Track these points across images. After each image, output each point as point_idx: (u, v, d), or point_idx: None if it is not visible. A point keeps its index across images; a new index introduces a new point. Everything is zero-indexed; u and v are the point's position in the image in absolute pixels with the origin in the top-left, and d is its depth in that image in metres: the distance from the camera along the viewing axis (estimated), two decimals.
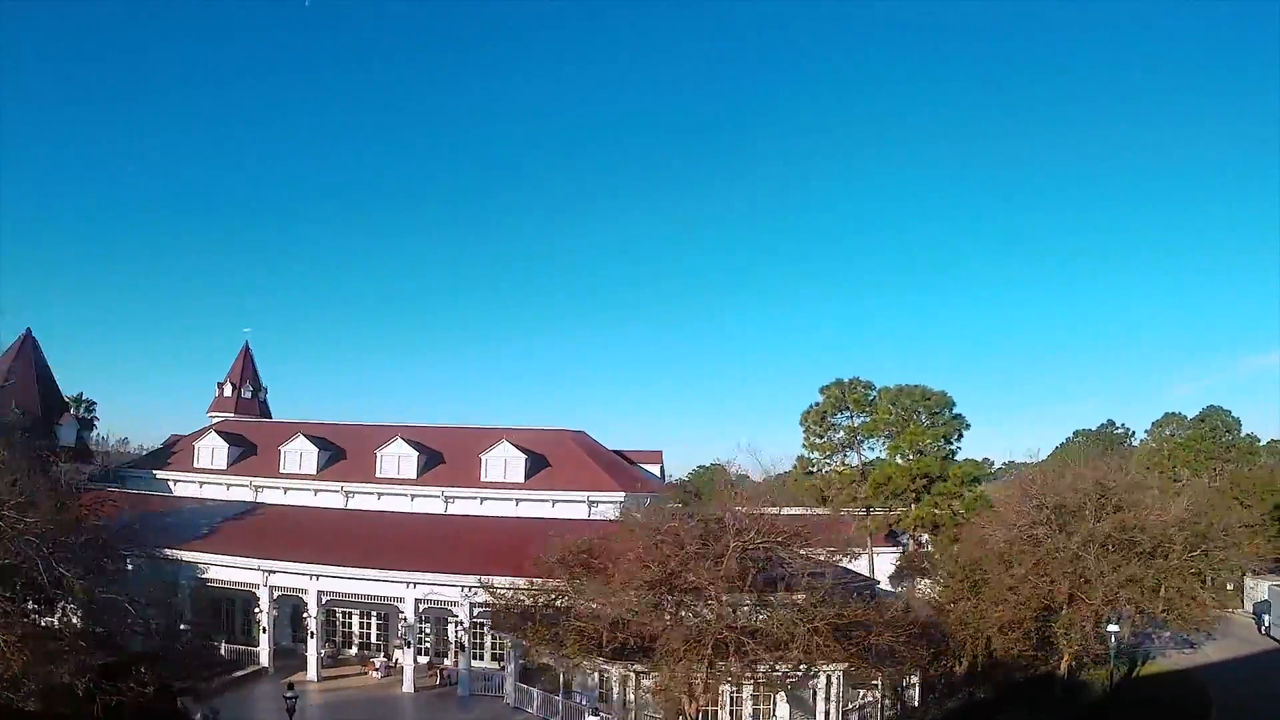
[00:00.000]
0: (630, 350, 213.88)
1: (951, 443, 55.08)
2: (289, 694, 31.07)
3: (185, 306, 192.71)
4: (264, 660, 44.04)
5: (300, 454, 58.01)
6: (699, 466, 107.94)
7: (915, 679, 38.07)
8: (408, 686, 40.62)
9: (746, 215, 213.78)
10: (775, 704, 34.46)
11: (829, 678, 34.70)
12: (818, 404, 55.93)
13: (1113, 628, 33.35)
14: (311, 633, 43.36)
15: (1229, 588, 74.01)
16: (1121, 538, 35.82)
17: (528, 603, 33.25)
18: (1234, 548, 42.92)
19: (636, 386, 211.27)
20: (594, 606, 29.82)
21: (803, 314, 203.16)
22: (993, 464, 63.41)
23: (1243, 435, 79.44)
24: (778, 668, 29.05)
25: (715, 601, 28.07)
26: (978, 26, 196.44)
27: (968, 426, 55.27)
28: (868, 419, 55.33)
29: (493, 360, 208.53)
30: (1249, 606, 64.79)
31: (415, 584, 40.18)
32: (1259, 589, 62.78)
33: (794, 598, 27.59)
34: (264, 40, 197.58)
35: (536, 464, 55.59)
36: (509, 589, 33.86)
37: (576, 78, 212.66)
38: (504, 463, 54.66)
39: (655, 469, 58.88)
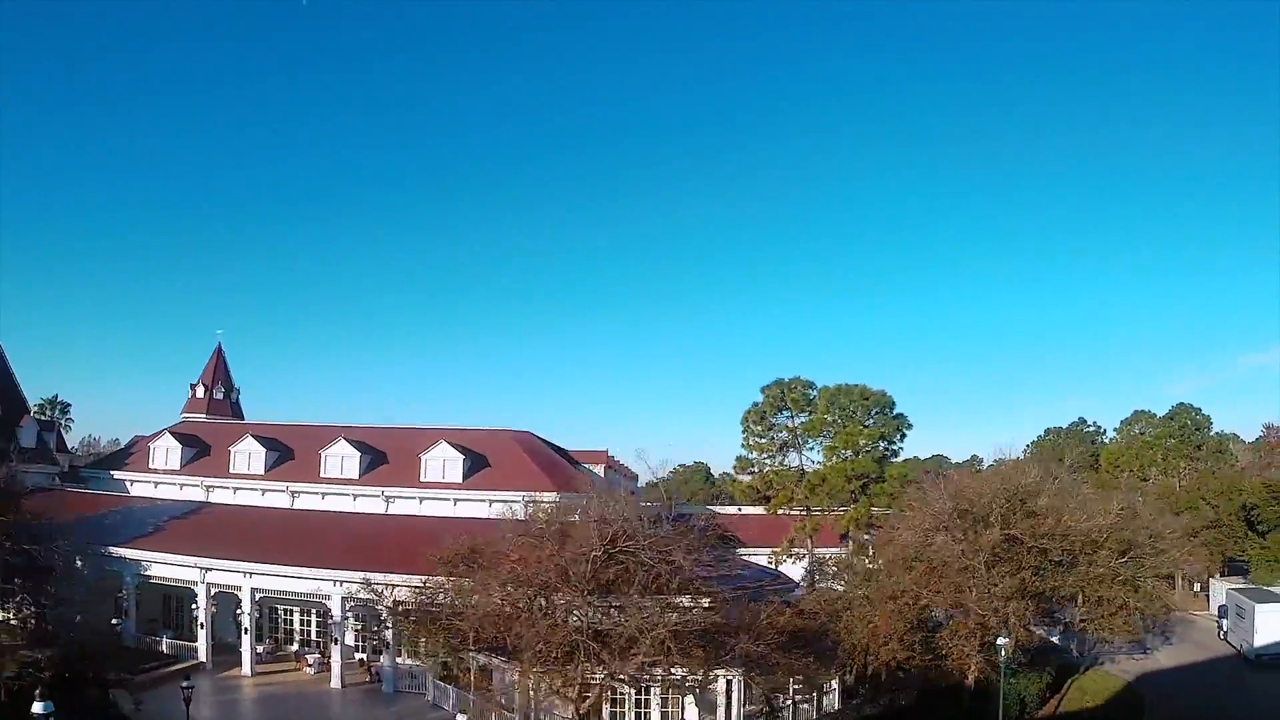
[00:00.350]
0: (608, 351, 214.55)
1: (893, 443, 55.00)
2: (185, 684, 32.14)
3: (169, 308, 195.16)
4: (202, 655, 45.30)
5: (249, 455, 58.93)
6: (679, 466, 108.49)
7: (835, 684, 38.08)
8: (335, 683, 41.40)
9: (712, 215, 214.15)
10: (684, 706, 34.81)
11: (729, 682, 35.02)
12: (757, 404, 55.99)
13: (1001, 640, 31.88)
14: (245, 629, 44.52)
15: (1196, 590, 73.21)
16: (1033, 545, 35.05)
17: (410, 601, 34.00)
18: (1162, 554, 41.90)
19: (617, 387, 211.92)
20: (471, 604, 30.39)
21: (778, 315, 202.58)
22: (948, 463, 62.89)
23: (1213, 434, 78.30)
24: (649, 671, 29.37)
25: (578, 603, 28.35)
26: (933, 19, 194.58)
27: (910, 427, 55.27)
28: (808, 419, 55.28)
29: (459, 361, 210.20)
30: (1214, 609, 63.89)
31: (341, 581, 40.81)
32: (1224, 592, 61.84)
33: (642, 602, 27.70)
34: (233, 42, 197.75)
35: (476, 464, 56.11)
36: (382, 585, 34.52)
37: (526, 82, 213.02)
38: (442, 463, 55.23)
39: (599, 469, 59.12)
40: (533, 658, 27.52)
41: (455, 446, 55.49)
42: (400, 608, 34.48)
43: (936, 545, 35.31)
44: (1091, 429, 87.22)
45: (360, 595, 37.96)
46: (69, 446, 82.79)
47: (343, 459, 56.95)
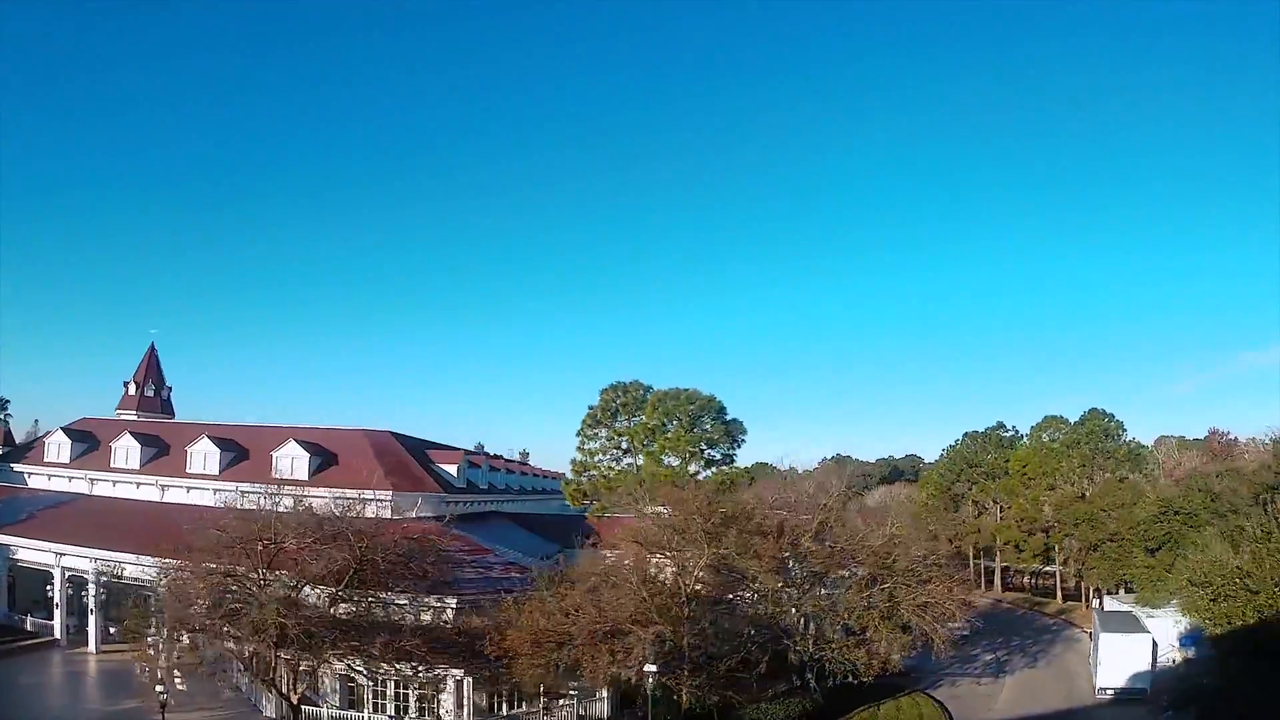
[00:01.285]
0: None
1: (728, 449, 55.49)
2: None
3: (122, 308, 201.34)
4: (57, 633, 50.19)
5: (128, 450, 62.42)
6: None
7: (605, 692, 38.49)
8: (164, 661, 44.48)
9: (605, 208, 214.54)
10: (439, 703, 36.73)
11: (456, 681, 36.61)
12: (592, 407, 57.03)
13: (649, 667, 30.28)
14: (91, 609, 49.19)
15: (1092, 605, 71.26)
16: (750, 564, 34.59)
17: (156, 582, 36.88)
18: (921, 585, 38.35)
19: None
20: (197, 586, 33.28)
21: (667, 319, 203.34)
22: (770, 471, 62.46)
23: (1125, 440, 75.90)
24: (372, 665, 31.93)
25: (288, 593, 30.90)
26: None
27: (744, 432, 55.57)
28: (640, 422, 56.16)
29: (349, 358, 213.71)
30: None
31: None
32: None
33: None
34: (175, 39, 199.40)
35: (326, 462, 58.41)
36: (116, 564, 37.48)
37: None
38: (291, 460, 57.63)
39: (452, 468, 60.82)
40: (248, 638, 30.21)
41: (303, 444, 57.88)
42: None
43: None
44: (1010, 434, 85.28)
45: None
46: (16, 440, 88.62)
47: (205, 455, 59.89)
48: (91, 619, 49.60)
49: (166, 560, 36.34)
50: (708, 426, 54.20)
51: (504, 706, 37.15)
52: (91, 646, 48.83)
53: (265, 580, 33.91)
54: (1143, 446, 78.19)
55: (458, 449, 62.98)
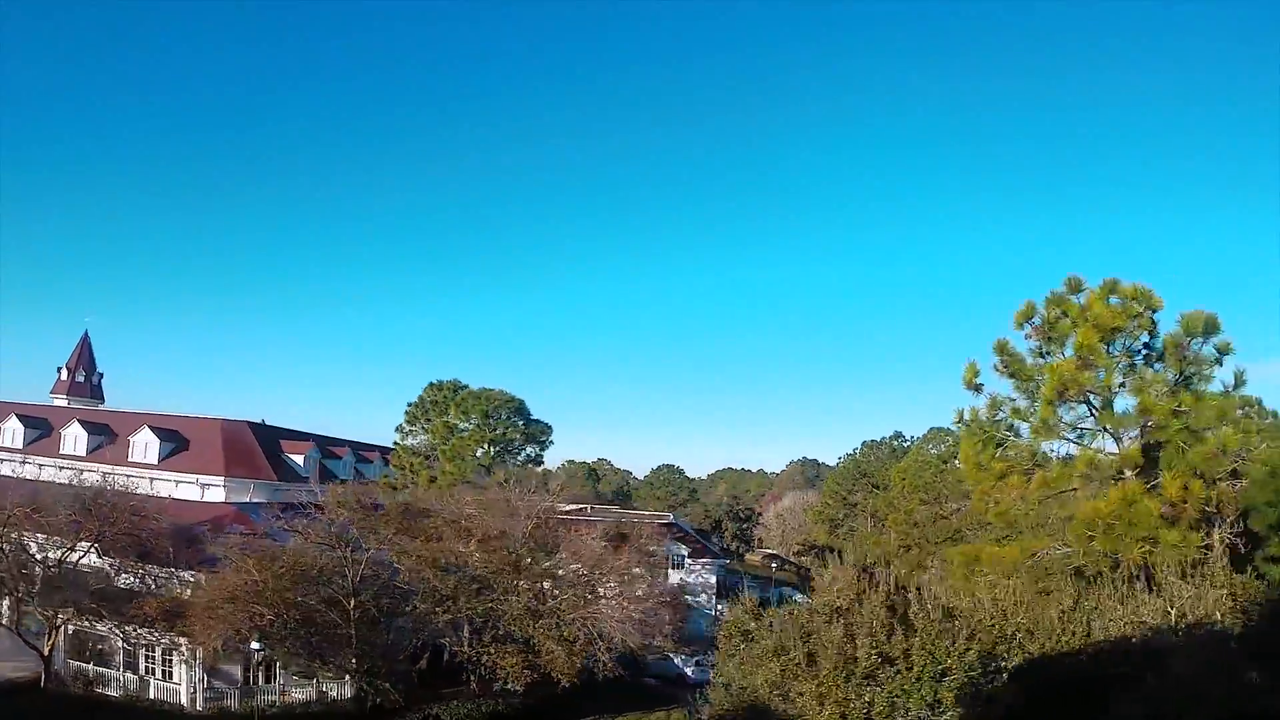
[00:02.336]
0: None
1: (537, 451, 57.36)
2: None
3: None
4: None
5: (12, 431, 67.55)
6: None
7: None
8: None
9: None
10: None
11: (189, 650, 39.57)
12: (410, 404, 59.49)
13: (254, 645, 33.65)
14: None
15: None
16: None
17: None
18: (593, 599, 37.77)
19: None
20: None
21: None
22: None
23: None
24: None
25: None
26: None
27: (548, 433, 57.34)
28: (444, 420, 58.35)
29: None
30: None
31: None
32: None
33: None
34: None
35: (177, 448, 62.37)
36: None
37: None
38: (144, 445, 61.79)
39: (299, 458, 64.07)
40: None
41: (155, 430, 61.95)
42: None
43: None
44: (908, 443, 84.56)
45: None
46: None
47: (75, 438, 64.53)
48: None
49: None
50: (499, 429, 55.95)
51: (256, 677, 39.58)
52: None
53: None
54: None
55: (309, 439, 66.18)
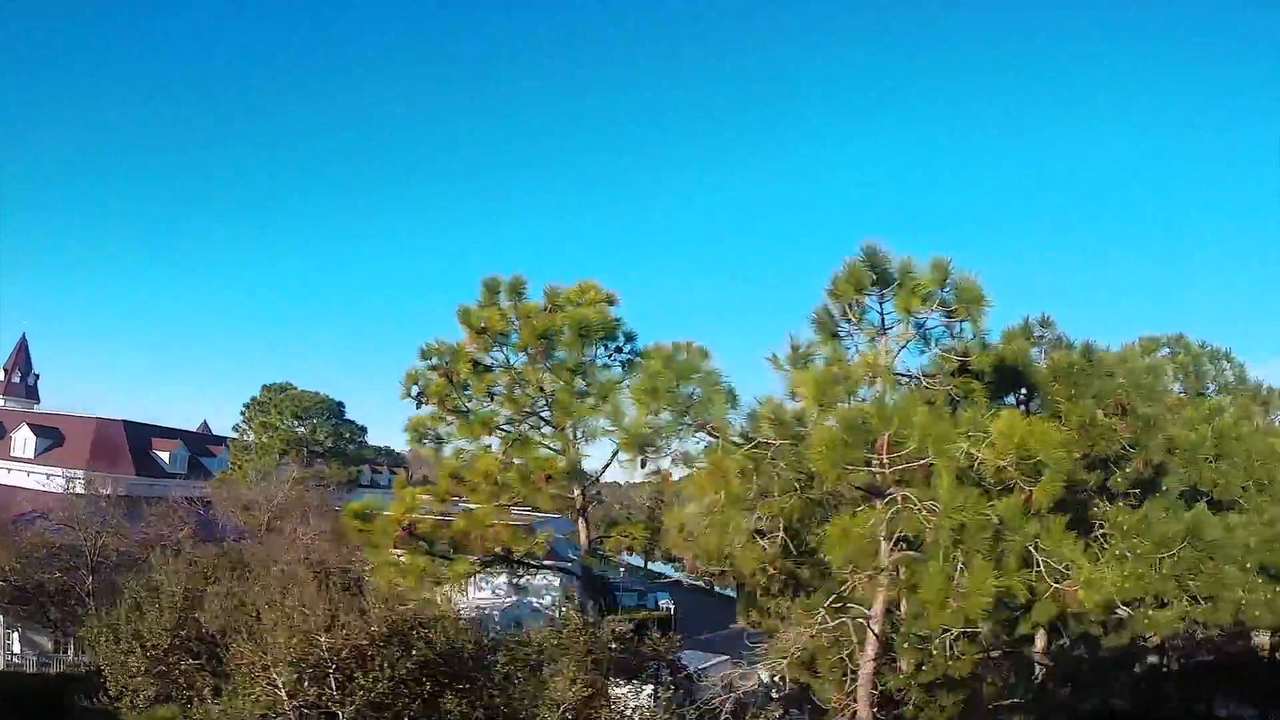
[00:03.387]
0: None
1: (353, 449, 63.97)
2: None
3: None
4: None
5: None
6: None
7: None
8: None
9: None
10: None
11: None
12: (246, 405, 66.36)
13: None
14: None
15: None
16: None
17: None
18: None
19: None
20: None
21: None
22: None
23: None
24: None
25: None
26: None
27: (361, 434, 63.84)
28: (268, 419, 64.98)
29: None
30: None
31: None
32: None
33: None
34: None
35: (53, 444, 70.24)
36: None
37: None
38: (24, 442, 69.73)
39: (166, 455, 71.50)
40: None
41: (33, 428, 69.86)
42: None
43: None
44: None
45: None
46: None
47: None
48: None
49: None
50: (313, 429, 62.37)
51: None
52: None
53: None
54: None
55: (177, 436, 73.63)
